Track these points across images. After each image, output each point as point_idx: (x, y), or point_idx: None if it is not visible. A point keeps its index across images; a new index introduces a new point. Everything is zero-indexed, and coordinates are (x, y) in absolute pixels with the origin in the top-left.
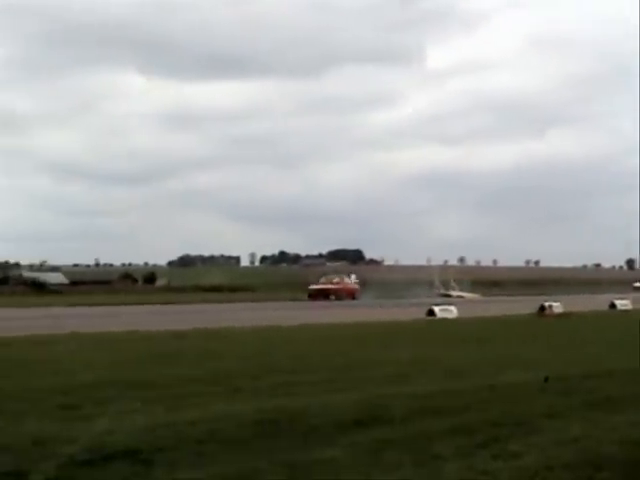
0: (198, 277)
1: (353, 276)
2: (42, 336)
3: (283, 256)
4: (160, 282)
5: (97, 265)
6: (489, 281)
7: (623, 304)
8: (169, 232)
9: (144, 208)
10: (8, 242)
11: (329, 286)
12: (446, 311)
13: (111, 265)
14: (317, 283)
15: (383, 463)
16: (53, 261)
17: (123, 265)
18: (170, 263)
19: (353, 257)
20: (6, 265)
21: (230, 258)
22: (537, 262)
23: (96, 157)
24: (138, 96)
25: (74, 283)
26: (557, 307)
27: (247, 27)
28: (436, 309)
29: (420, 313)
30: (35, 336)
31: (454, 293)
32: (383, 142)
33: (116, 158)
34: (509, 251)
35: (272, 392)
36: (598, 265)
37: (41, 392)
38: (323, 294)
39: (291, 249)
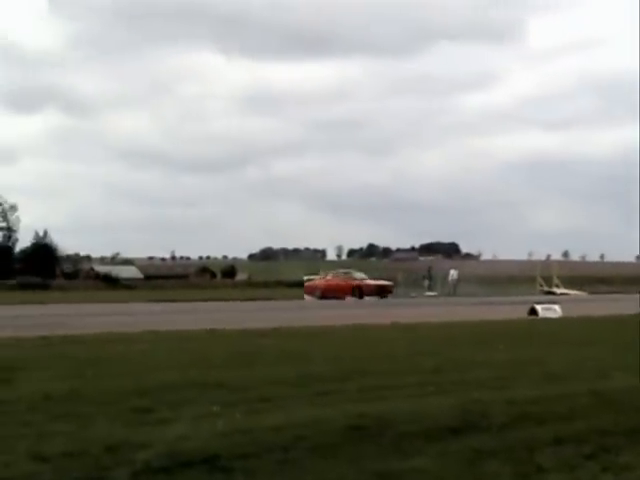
0: (281, 271)
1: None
2: (116, 334)
3: (372, 249)
4: (240, 276)
5: (173, 258)
6: (596, 277)
7: None
8: (250, 223)
9: (223, 197)
10: (78, 233)
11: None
12: (550, 310)
13: (188, 258)
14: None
15: (479, 474)
16: (126, 253)
17: (200, 258)
18: (251, 256)
19: (448, 250)
20: (76, 258)
21: (316, 251)
22: None
23: (171, 143)
24: (216, 77)
25: (148, 277)
26: None
27: (331, 2)
28: (538, 308)
29: (522, 312)
30: (109, 334)
31: (558, 290)
32: (480, 127)
33: (193, 144)
34: (618, 245)
35: (361, 396)
36: None
37: (114, 394)
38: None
39: (381, 242)
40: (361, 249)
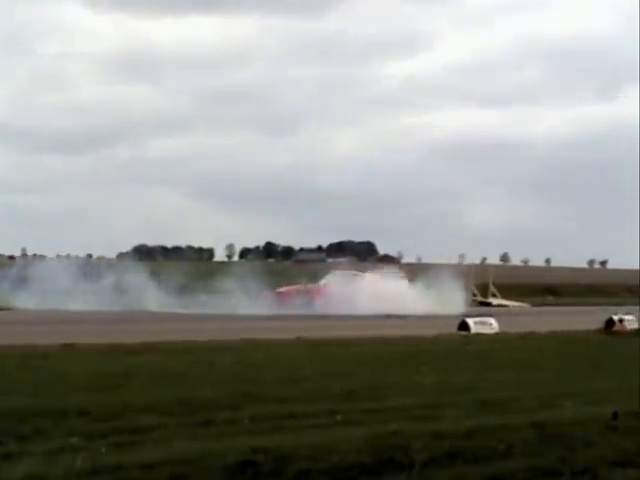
0: (162, 274)
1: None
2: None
3: (271, 249)
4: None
5: (24, 256)
6: (541, 286)
7: None
8: (120, 215)
9: (87, 182)
10: None
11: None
12: (484, 325)
13: (43, 257)
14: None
15: None
16: None
17: (59, 257)
18: (121, 255)
19: (362, 251)
20: None
21: (201, 250)
22: (604, 263)
23: (22, 114)
24: (80, 34)
25: None
26: (630, 321)
27: None
28: (470, 322)
29: (451, 326)
30: None
31: (495, 301)
32: (404, 101)
33: (49, 116)
34: (567, 248)
35: (255, 426)
36: None
37: None
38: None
39: (281, 240)
40: (257, 248)
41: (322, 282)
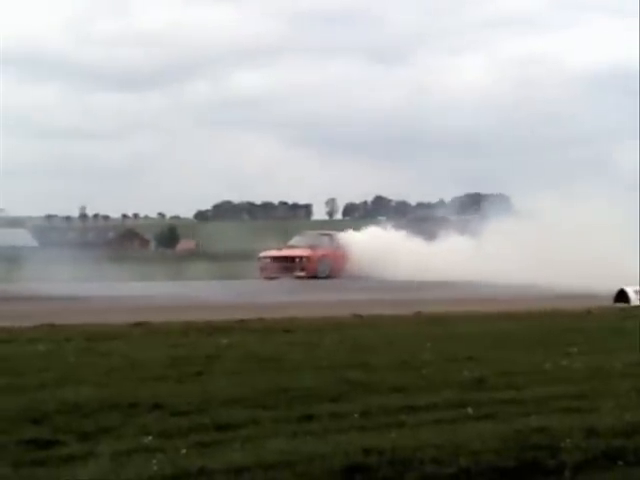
0: (244, 237)
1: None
2: None
3: (381, 204)
4: (184, 245)
5: (83, 217)
6: None
7: None
8: (198, 165)
9: (157, 126)
10: None
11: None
12: None
13: (106, 217)
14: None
15: None
16: (12, 210)
17: (125, 217)
18: (200, 215)
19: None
20: None
21: (296, 207)
22: None
23: (77, 44)
24: None
25: (46, 245)
26: None
27: None
28: (630, 291)
29: (605, 300)
30: None
31: None
32: (544, 18)
33: (110, 46)
34: None
35: (366, 422)
36: None
37: None
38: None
39: (393, 193)
40: (364, 204)
41: (340, 242)
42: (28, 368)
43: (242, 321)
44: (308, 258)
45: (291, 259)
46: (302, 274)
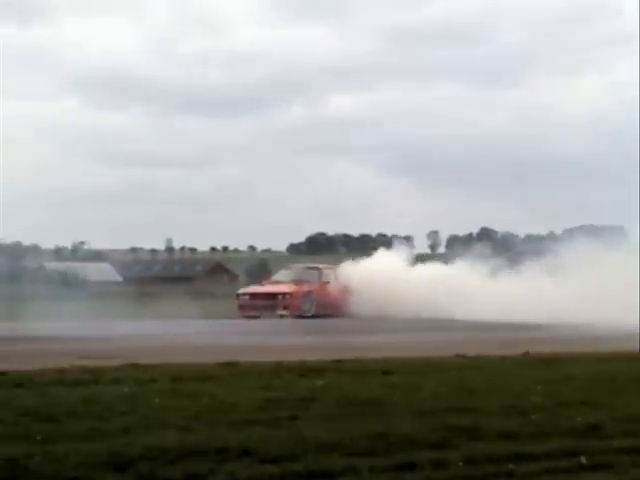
0: None
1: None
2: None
3: (486, 236)
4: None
5: (169, 250)
6: None
7: None
8: (291, 195)
9: (247, 153)
10: (17, 210)
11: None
12: None
13: (193, 250)
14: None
15: None
16: (95, 243)
17: (214, 250)
18: (293, 247)
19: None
20: (17, 249)
21: (395, 239)
22: None
23: (164, 66)
24: None
25: (130, 280)
26: None
27: None
28: None
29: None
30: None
31: None
32: None
33: (197, 67)
34: None
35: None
36: None
37: None
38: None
39: (500, 225)
40: (470, 236)
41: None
42: (111, 411)
43: (337, 361)
44: (291, 295)
45: (272, 296)
46: (284, 312)
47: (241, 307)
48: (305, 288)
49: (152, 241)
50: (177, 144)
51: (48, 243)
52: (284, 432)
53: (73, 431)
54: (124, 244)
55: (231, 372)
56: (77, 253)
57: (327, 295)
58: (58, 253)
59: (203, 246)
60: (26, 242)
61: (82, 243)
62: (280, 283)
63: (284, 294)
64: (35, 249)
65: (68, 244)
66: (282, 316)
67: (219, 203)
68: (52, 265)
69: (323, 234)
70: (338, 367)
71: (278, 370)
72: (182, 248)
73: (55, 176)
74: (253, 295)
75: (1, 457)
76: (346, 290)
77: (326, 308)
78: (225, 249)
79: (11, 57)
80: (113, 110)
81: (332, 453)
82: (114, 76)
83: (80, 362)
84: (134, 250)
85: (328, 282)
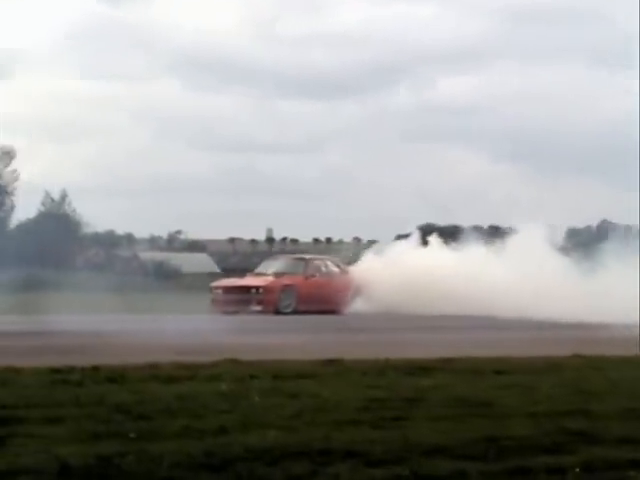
0: None
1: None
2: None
3: (606, 229)
4: None
5: (269, 241)
6: None
7: None
8: (398, 183)
9: (348, 138)
10: (112, 196)
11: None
12: None
13: (295, 241)
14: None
15: None
16: (192, 233)
17: (316, 242)
18: (400, 238)
19: None
20: (111, 238)
21: (511, 231)
22: None
23: (264, 47)
24: None
25: (229, 272)
26: None
27: None
28: None
29: None
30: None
31: None
32: None
33: (301, 50)
34: None
35: None
36: None
37: None
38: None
39: (622, 217)
40: (588, 229)
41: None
42: (208, 409)
43: (447, 360)
44: (265, 289)
45: (245, 290)
46: (258, 308)
47: (214, 302)
48: (284, 281)
49: (252, 231)
50: (279, 129)
51: (143, 232)
52: (389, 433)
53: (168, 430)
54: (222, 234)
55: (334, 370)
56: (173, 243)
57: (315, 289)
58: (153, 242)
59: (305, 237)
60: (119, 231)
61: (178, 232)
62: (259, 276)
63: (257, 288)
64: (129, 238)
65: (164, 233)
66: (258, 312)
67: (323, 191)
68: (146, 255)
69: (432, 225)
70: (447, 366)
71: (383, 368)
72: (283, 239)
73: (151, 162)
74: (227, 289)
75: (94, 455)
76: (350, 283)
77: (312, 303)
78: (329, 240)
79: (105, 37)
80: (212, 93)
81: (440, 456)
82: (214, 57)
83: (176, 358)
84: (233, 240)
85: (314, 275)
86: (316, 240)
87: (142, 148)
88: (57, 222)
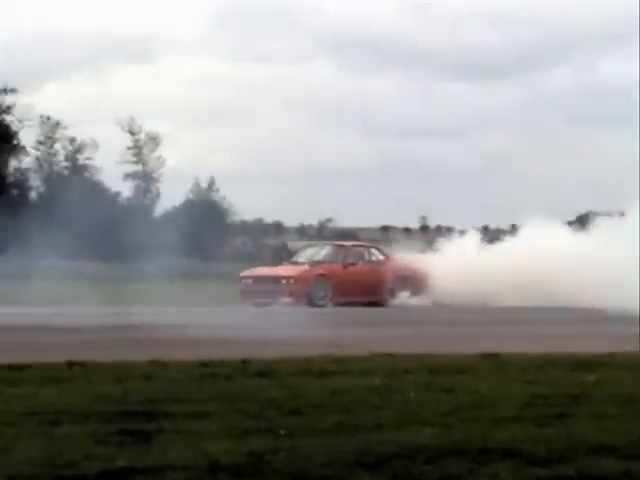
0: None
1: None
2: None
3: None
4: None
5: (424, 228)
6: None
7: None
8: (556, 170)
9: (507, 123)
10: (265, 184)
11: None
12: None
13: (450, 230)
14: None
15: None
16: (343, 220)
17: (485, 229)
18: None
19: None
20: (259, 226)
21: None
22: None
23: (411, 21)
24: None
25: None
26: None
27: None
28: None
29: None
30: None
31: None
32: None
33: (459, 30)
34: None
35: None
36: None
37: None
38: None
39: None
40: None
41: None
42: (363, 405)
43: (611, 354)
44: (296, 279)
45: (276, 280)
46: (288, 300)
47: (243, 292)
48: (318, 271)
49: (406, 219)
50: (434, 112)
51: (292, 220)
52: (552, 431)
53: (320, 426)
54: (375, 222)
55: (492, 365)
56: (323, 231)
57: (354, 279)
58: (302, 231)
59: (461, 225)
60: (268, 219)
61: (329, 220)
62: (293, 265)
63: (288, 278)
64: (278, 227)
65: (314, 222)
66: (288, 304)
67: (479, 178)
68: (295, 244)
69: (595, 212)
70: (613, 361)
71: (543, 363)
72: (438, 227)
73: (302, 147)
74: (256, 279)
75: (244, 452)
76: (397, 273)
77: (350, 295)
78: (485, 228)
79: (255, 18)
80: (369, 75)
81: (606, 456)
82: (368, 38)
83: (328, 351)
84: (385, 229)
85: (354, 263)
86: (485, 228)
87: (293, 133)
88: (204, 210)
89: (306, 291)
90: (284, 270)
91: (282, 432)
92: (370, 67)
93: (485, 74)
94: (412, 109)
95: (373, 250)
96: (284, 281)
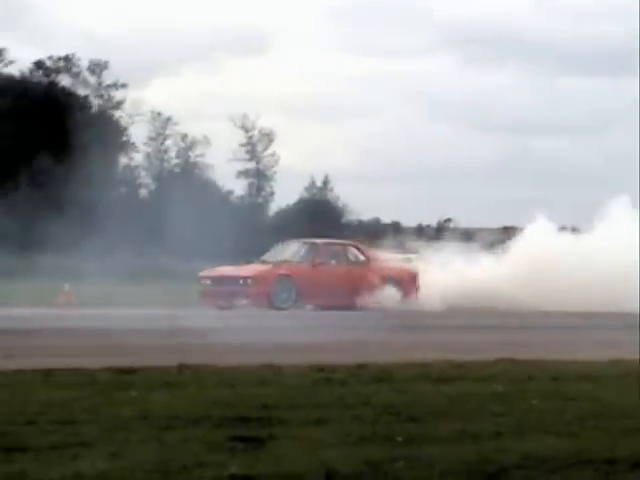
0: None
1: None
2: None
3: None
4: None
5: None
6: None
7: None
8: None
9: (634, 120)
10: (376, 183)
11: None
12: None
13: (574, 230)
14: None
15: None
16: (463, 221)
17: None
18: None
19: None
20: (376, 226)
21: None
22: None
23: (533, 12)
24: None
25: None
26: None
27: None
28: None
29: None
30: None
31: None
32: None
33: (573, 15)
34: None
35: None
36: None
37: None
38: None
39: None
40: None
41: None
42: (483, 412)
43: None
44: (255, 279)
45: (233, 280)
46: (245, 302)
47: (202, 294)
48: (279, 271)
49: (528, 219)
50: (557, 108)
51: (410, 220)
52: None
53: (439, 433)
54: (497, 222)
55: (617, 371)
56: (441, 232)
57: (324, 280)
58: (420, 232)
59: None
60: (385, 219)
61: (448, 221)
62: (256, 264)
63: (245, 278)
64: (395, 227)
65: (433, 222)
66: (247, 306)
67: (605, 177)
68: (413, 245)
69: None
70: None
71: None
72: (562, 228)
73: (421, 144)
74: (215, 279)
75: (362, 460)
76: (378, 274)
77: (319, 297)
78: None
79: (371, 11)
80: (490, 69)
81: None
82: (489, 31)
83: (446, 356)
84: (507, 229)
85: (325, 263)
86: None
87: (411, 130)
88: (319, 209)
89: (266, 293)
90: (243, 270)
91: (399, 440)
92: (490, 61)
93: (610, 68)
94: (533, 104)
95: (352, 249)
96: (241, 282)
